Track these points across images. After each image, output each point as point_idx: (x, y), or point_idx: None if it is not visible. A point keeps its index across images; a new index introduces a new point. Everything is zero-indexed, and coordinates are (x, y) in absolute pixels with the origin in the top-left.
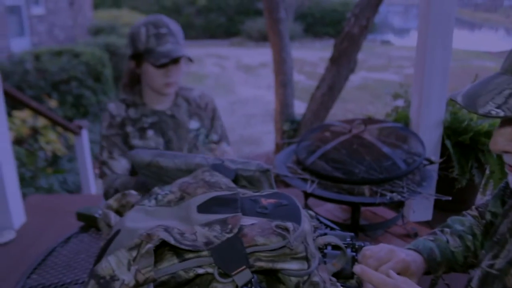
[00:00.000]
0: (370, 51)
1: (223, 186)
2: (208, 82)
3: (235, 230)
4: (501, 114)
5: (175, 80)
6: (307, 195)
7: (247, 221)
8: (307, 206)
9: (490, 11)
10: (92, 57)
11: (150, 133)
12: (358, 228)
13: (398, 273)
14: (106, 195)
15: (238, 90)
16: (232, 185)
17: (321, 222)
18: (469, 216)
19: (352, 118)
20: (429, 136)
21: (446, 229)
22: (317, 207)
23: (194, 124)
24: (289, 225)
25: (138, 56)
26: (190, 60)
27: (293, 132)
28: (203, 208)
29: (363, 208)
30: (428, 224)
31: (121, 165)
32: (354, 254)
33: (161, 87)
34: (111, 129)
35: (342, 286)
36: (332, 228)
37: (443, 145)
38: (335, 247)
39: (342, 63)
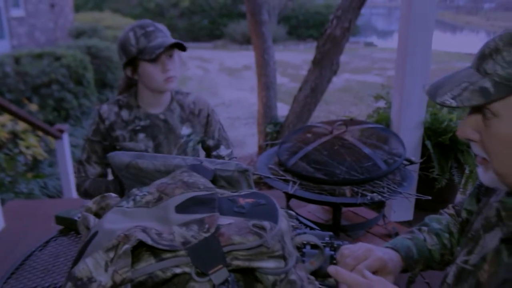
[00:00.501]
0: (354, 53)
1: (201, 186)
2: (192, 85)
3: (212, 230)
4: (454, 104)
5: (173, 74)
6: (289, 197)
7: (224, 220)
8: (289, 207)
9: (471, 14)
10: (73, 60)
11: (141, 136)
12: (339, 228)
13: (375, 271)
14: (78, 191)
15: (222, 92)
16: (210, 185)
17: (300, 222)
18: (446, 215)
19: (334, 120)
20: (409, 137)
21: (424, 228)
22: (299, 208)
23: (185, 130)
24: (266, 224)
25: (133, 61)
26: (183, 49)
27: (276, 134)
28: (181, 208)
29: (344, 209)
30: (409, 224)
31: (95, 171)
32: (332, 253)
33: (161, 84)
34: (96, 135)
35: (320, 284)
36: (311, 228)
37: (424, 146)
38: (314, 246)
39: (324, 65)
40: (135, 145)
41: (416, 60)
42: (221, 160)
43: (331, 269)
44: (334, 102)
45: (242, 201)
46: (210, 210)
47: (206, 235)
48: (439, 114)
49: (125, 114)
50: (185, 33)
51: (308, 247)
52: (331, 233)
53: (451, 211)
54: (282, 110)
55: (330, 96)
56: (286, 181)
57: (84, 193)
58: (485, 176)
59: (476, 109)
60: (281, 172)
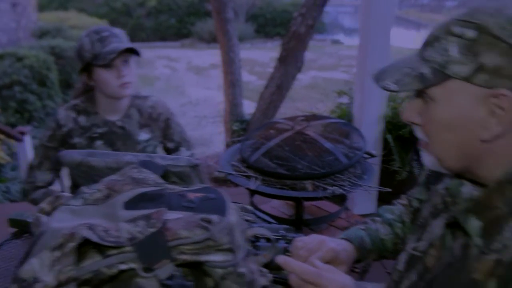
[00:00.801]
0: (320, 50)
1: (151, 182)
2: (159, 85)
3: (159, 225)
4: (392, 88)
5: (128, 80)
6: (252, 193)
7: (172, 215)
8: (252, 204)
9: (435, 11)
10: (36, 60)
11: (98, 143)
12: (302, 222)
13: (328, 262)
14: (26, 196)
15: (189, 91)
16: (160, 181)
17: (258, 217)
18: (398, 205)
19: (295, 115)
20: (371, 131)
21: (377, 218)
22: (263, 204)
23: (144, 136)
24: (214, 217)
25: (88, 66)
26: (137, 54)
27: (243, 131)
28: (130, 204)
29: (308, 203)
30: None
31: (44, 178)
32: (286, 245)
33: (116, 90)
34: (52, 142)
35: (274, 277)
36: (269, 222)
37: (385, 139)
38: (269, 240)
39: (289, 62)
40: None
41: (376, 56)
42: (172, 156)
43: (280, 259)
44: (301, 99)
45: (191, 196)
46: (158, 205)
47: (153, 230)
48: (399, 108)
49: (82, 120)
50: (152, 32)
51: (262, 240)
52: (286, 226)
53: (404, 201)
54: (250, 107)
55: (297, 93)
56: (248, 177)
57: (32, 201)
58: (426, 158)
59: (418, 94)
60: (244, 169)
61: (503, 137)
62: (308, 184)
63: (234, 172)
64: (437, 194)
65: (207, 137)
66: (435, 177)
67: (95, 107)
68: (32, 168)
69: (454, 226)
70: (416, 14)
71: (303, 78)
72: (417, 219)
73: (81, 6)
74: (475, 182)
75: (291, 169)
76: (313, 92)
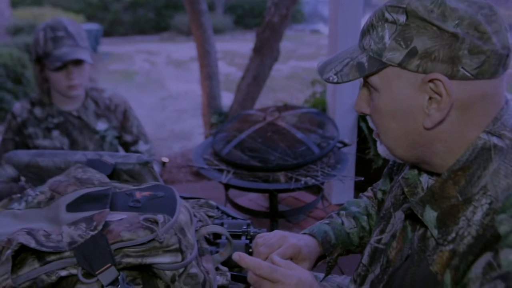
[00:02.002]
0: (300, 40)
1: (96, 182)
2: (138, 79)
3: (100, 227)
4: (335, 80)
5: (78, 83)
6: (227, 186)
7: (116, 216)
8: (227, 197)
9: None
10: (10, 58)
11: (55, 133)
12: (278, 214)
13: (290, 258)
14: None
15: (169, 85)
16: (106, 180)
17: (223, 212)
18: (364, 198)
19: (267, 106)
20: (344, 120)
21: (342, 212)
22: (239, 197)
23: (101, 125)
24: (159, 217)
25: (40, 60)
26: (90, 62)
27: (221, 124)
28: (72, 206)
29: (285, 195)
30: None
31: (5, 173)
32: (247, 241)
33: (64, 90)
34: (8, 133)
35: (234, 274)
36: (233, 217)
37: (359, 128)
38: (235, 236)
39: (265, 52)
40: (50, 142)
41: (347, 44)
42: (122, 153)
43: (235, 256)
44: (281, 89)
45: (139, 194)
46: (101, 206)
47: (93, 233)
48: None
49: (38, 111)
50: (130, 26)
51: (224, 237)
52: (248, 221)
53: (369, 193)
54: (230, 99)
55: (277, 83)
56: (221, 170)
57: None
58: (380, 148)
59: (364, 84)
60: (216, 162)
61: (445, 123)
62: (281, 176)
63: (206, 166)
64: (398, 185)
65: (188, 130)
66: (398, 167)
67: (50, 98)
68: None
69: (413, 217)
70: None
71: (283, 68)
72: (380, 210)
73: (56, 1)
74: (430, 172)
75: (263, 161)
76: (293, 82)
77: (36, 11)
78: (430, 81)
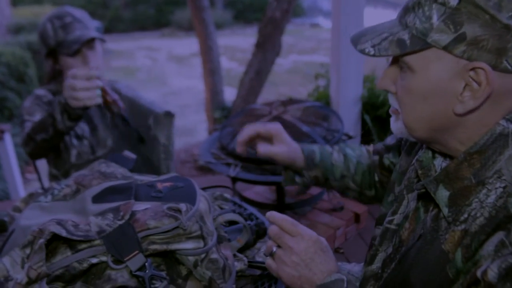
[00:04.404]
0: (300, 34)
1: (119, 176)
2: (140, 75)
3: (127, 217)
4: (371, 52)
5: (95, 65)
6: (234, 180)
7: (140, 206)
8: (235, 190)
9: None
10: (13, 57)
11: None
12: (285, 206)
13: (270, 136)
14: (26, 150)
15: (171, 81)
16: (129, 174)
17: (235, 204)
18: (363, 148)
19: (272, 100)
20: (348, 113)
21: (336, 146)
22: (246, 190)
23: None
24: (182, 206)
25: (53, 52)
26: (102, 40)
27: (225, 119)
28: (98, 198)
29: (291, 187)
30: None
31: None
32: (256, 228)
33: None
34: (36, 105)
35: (251, 261)
36: (245, 209)
37: (363, 120)
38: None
39: (267, 47)
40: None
41: (349, 37)
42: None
43: (268, 213)
44: (283, 83)
45: (160, 185)
46: (126, 198)
47: (121, 222)
48: (375, 89)
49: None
50: (131, 23)
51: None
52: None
53: (370, 148)
54: (232, 94)
55: (279, 78)
56: (228, 164)
57: (29, 143)
58: (394, 125)
59: (395, 61)
60: (223, 156)
61: (476, 111)
62: None
63: (213, 160)
64: (412, 168)
65: (191, 126)
66: (409, 145)
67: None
68: (22, 122)
69: (426, 197)
70: None
71: (284, 62)
72: (390, 190)
73: None
74: (444, 154)
75: None
76: (294, 76)
77: (36, 9)
78: (472, 69)
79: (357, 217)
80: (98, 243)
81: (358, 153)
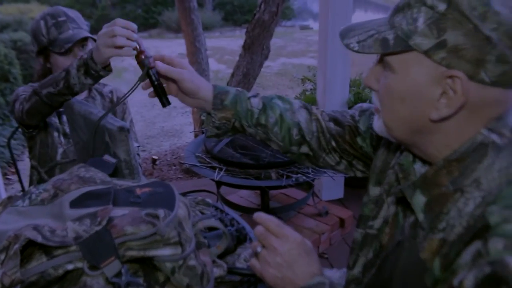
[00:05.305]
0: (289, 37)
1: (98, 181)
2: (127, 76)
3: (104, 222)
4: (355, 48)
5: None
6: (219, 184)
7: (118, 212)
8: (219, 194)
9: None
10: None
11: (64, 118)
12: (269, 211)
13: (172, 80)
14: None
15: None
16: (108, 179)
17: (217, 209)
18: (297, 103)
19: None
20: None
21: (261, 95)
22: (230, 194)
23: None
24: (160, 212)
25: (44, 50)
26: (95, 40)
27: None
28: (76, 203)
29: (276, 192)
30: (340, 201)
31: None
32: (236, 234)
33: None
34: (31, 86)
35: (231, 267)
36: (226, 214)
37: None
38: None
39: (255, 50)
40: (60, 127)
41: (337, 42)
42: (114, 117)
43: (255, 215)
44: (271, 86)
45: (139, 191)
46: (104, 203)
47: (98, 228)
48: (362, 93)
49: None
50: None
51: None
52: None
53: (319, 115)
54: None
55: (267, 80)
56: (213, 168)
57: (31, 98)
58: (376, 123)
59: (381, 60)
60: (208, 160)
61: (451, 119)
62: (273, 173)
63: (198, 164)
64: (392, 171)
65: (178, 128)
66: (388, 142)
67: None
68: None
69: (404, 203)
70: None
71: (272, 65)
72: (369, 202)
73: None
74: (423, 160)
75: (255, 158)
76: (282, 79)
77: (22, 7)
78: (450, 77)
79: (342, 222)
80: (74, 249)
81: (287, 106)
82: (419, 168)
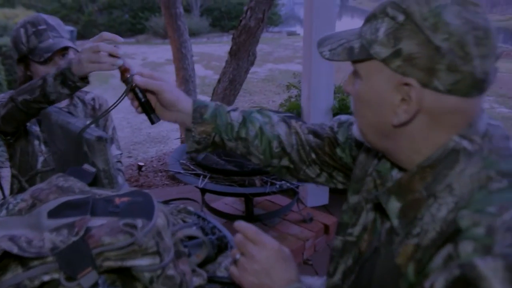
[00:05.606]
0: (276, 43)
1: (77, 190)
2: (114, 82)
3: (81, 233)
4: (327, 56)
5: None
6: (203, 191)
7: (96, 222)
8: (204, 202)
9: None
10: None
11: None
12: (253, 218)
13: (153, 92)
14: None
15: None
16: (87, 188)
17: (199, 217)
18: (275, 116)
19: None
20: None
21: (240, 109)
22: (215, 201)
23: None
24: (138, 222)
25: (24, 59)
26: (76, 50)
27: None
28: (54, 213)
29: (260, 198)
30: (325, 208)
31: None
32: (218, 242)
33: None
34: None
35: (211, 276)
36: (208, 222)
37: None
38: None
39: (241, 56)
40: (41, 134)
41: None
42: (93, 127)
43: (235, 223)
44: (258, 92)
45: (118, 200)
46: (82, 213)
47: (75, 238)
48: (347, 100)
49: None
50: (105, 28)
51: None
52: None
53: (298, 128)
54: None
55: (254, 86)
56: (197, 175)
57: (7, 104)
58: (354, 128)
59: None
60: (192, 167)
61: (412, 124)
62: (257, 180)
63: (182, 171)
64: (371, 179)
65: (164, 134)
66: (366, 148)
67: None
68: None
69: (381, 209)
70: (369, 4)
71: (259, 71)
72: (349, 207)
73: (29, 2)
74: (399, 167)
75: (239, 165)
76: (269, 85)
77: (8, 12)
78: (406, 84)
79: (326, 229)
80: (50, 260)
81: (266, 120)
82: (396, 175)
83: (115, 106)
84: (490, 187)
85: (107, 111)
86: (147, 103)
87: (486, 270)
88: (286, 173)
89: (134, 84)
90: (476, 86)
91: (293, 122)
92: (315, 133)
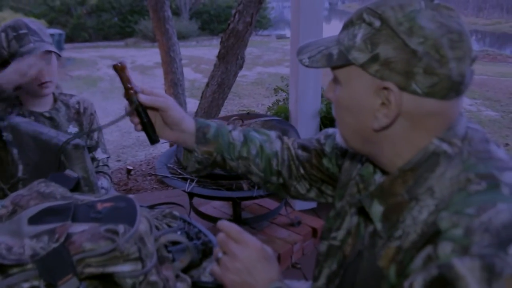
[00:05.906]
0: (266, 46)
1: (58, 196)
2: (103, 85)
3: (62, 239)
4: (306, 63)
5: (49, 79)
6: (191, 195)
7: (78, 228)
8: (192, 206)
9: None
10: None
11: None
12: (241, 221)
13: (156, 109)
14: None
15: None
16: (68, 194)
17: (185, 222)
18: (273, 133)
19: (230, 115)
20: (306, 127)
21: (240, 128)
22: (203, 205)
23: (72, 129)
24: (120, 228)
25: (6, 63)
26: (58, 55)
27: None
28: (34, 219)
29: (248, 202)
30: (314, 211)
31: None
32: (202, 247)
33: (36, 89)
34: None
35: (196, 281)
36: (193, 226)
37: None
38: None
39: (230, 60)
40: None
41: None
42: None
43: (218, 223)
44: (247, 95)
45: (100, 206)
46: (63, 219)
47: (56, 245)
48: None
49: (8, 110)
50: (94, 32)
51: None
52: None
53: (290, 144)
54: (196, 106)
55: (243, 89)
56: (185, 179)
57: None
58: (338, 135)
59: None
60: (179, 171)
61: (392, 128)
62: (244, 184)
63: (169, 175)
64: (354, 183)
65: None
66: (351, 155)
67: (19, 99)
68: None
69: (364, 213)
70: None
71: (249, 74)
72: (333, 207)
73: (17, 5)
74: (382, 170)
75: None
76: (259, 88)
77: None
78: (384, 88)
79: (314, 232)
80: (30, 267)
81: (264, 138)
82: (378, 179)
83: (114, 123)
84: (469, 189)
85: (104, 126)
86: (150, 123)
87: (463, 270)
88: (281, 190)
89: (138, 103)
90: (453, 88)
91: (286, 139)
92: (303, 147)
